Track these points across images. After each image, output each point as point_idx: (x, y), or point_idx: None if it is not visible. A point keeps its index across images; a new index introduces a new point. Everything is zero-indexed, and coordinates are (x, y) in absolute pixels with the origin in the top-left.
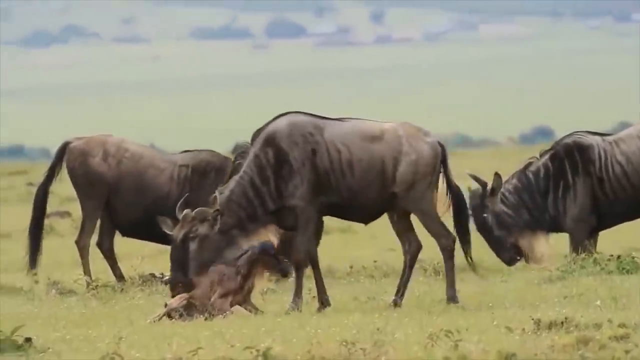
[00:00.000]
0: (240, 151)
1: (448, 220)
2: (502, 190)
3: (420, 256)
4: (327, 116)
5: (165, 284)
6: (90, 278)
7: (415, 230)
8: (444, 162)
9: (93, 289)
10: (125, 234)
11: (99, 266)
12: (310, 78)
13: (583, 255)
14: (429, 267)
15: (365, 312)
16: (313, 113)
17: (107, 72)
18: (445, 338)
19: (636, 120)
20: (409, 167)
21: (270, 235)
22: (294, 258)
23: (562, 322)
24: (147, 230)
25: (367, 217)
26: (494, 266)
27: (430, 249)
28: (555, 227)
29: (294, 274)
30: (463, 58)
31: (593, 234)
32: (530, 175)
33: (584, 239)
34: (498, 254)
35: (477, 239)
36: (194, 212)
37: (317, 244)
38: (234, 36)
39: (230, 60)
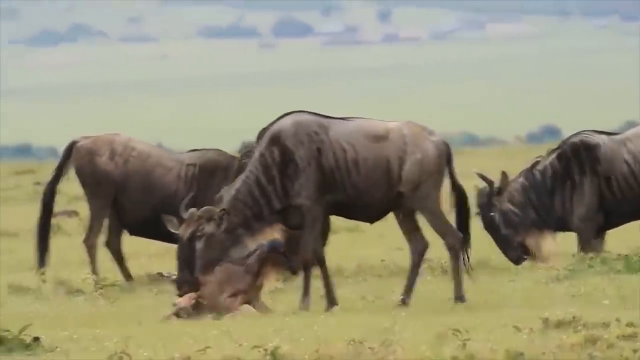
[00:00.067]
0: (246, 150)
1: (451, 219)
2: (509, 189)
3: (427, 255)
4: (332, 115)
5: (173, 283)
6: (98, 277)
7: (422, 229)
8: (449, 161)
9: (101, 288)
10: (132, 232)
11: (107, 265)
12: (317, 77)
13: (591, 254)
14: (436, 266)
15: (373, 311)
16: (318, 112)
17: (115, 71)
18: (453, 337)
19: None
20: (414, 167)
21: (276, 234)
22: (301, 257)
23: (570, 322)
24: (155, 229)
25: (372, 216)
26: (501, 265)
27: (438, 248)
28: (562, 226)
29: (302, 273)
30: (470, 57)
31: (600, 233)
32: (537, 174)
33: (591, 238)
34: (505, 253)
35: (484, 238)
36: (200, 211)
37: (325, 243)
38: (241, 35)
39: (237, 59)
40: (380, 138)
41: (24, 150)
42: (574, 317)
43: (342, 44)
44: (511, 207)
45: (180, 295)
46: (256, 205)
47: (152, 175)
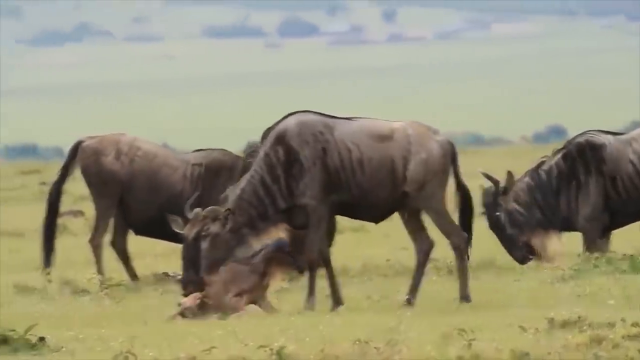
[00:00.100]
0: (250, 150)
1: (455, 219)
2: (514, 188)
3: (433, 255)
4: (336, 115)
5: (179, 283)
6: (104, 277)
7: (427, 228)
8: (453, 160)
9: (106, 288)
10: (138, 232)
11: (112, 265)
12: (322, 77)
13: (596, 254)
14: (442, 266)
15: (379, 311)
16: (322, 112)
17: (119, 71)
18: (459, 337)
19: None
20: (418, 166)
21: (281, 234)
22: (306, 257)
23: (575, 321)
24: (161, 229)
25: (377, 216)
26: (506, 265)
27: (443, 248)
28: (567, 226)
29: (307, 273)
30: (475, 57)
31: (606, 233)
32: (543, 174)
33: (596, 238)
34: (510, 253)
35: (490, 238)
36: (205, 211)
37: (331, 243)
38: (247, 35)
39: (242, 59)
40: (384, 138)
41: (29, 150)
42: (579, 317)
43: (347, 44)
44: (517, 206)
45: (186, 295)
46: (261, 204)
47: (157, 175)
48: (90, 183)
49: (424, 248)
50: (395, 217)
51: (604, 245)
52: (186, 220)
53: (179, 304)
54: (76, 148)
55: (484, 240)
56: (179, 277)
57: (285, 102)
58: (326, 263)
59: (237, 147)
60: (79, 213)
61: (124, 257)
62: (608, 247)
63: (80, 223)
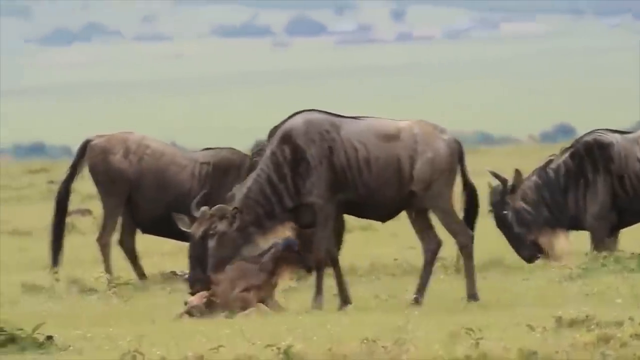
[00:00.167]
0: (257, 149)
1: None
2: (522, 187)
3: (441, 254)
4: (344, 114)
5: (186, 282)
6: (112, 276)
7: (435, 227)
8: (460, 159)
9: (114, 286)
10: (146, 231)
11: (120, 264)
12: (330, 76)
13: (604, 253)
14: (449, 265)
15: (386, 310)
16: (328, 111)
17: (128, 70)
18: (466, 336)
19: None
20: (425, 166)
21: (288, 233)
22: (313, 256)
23: (583, 320)
24: (168, 228)
25: (384, 215)
26: (514, 264)
27: (451, 247)
28: (575, 224)
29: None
30: (484, 56)
31: (614, 231)
32: (551, 173)
33: (604, 237)
34: (517, 251)
35: (498, 237)
36: (212, 210)
37: (341, 242)
38: (255, 34)
39: (251, 58)
40: (391, 137)
41: (37, 149)
42: (587, 316)
43: (356, 43)
44: (524, 205)
45: (193, 294)
46: (268, 203)
47: (166, 174)
48: (98, 182)
49: (432, 247)
50: (403, 216)
51: (612, 244)
52: (193, 219)
53: (186, 303)
54: (85, 147)
55: (492, 239)
56: (187, 275)
57: (293, 101)
58: (334, 262)
59: (245, 145)
60: (86, 212)
61: (132, 256)
62: (616, 245)
63: (88, 222)
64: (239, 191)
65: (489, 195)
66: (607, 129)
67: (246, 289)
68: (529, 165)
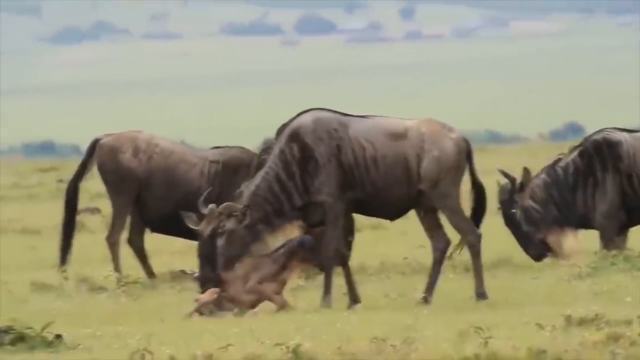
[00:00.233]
0: (265, 147)
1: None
2: (530, 185)
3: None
4: (353, 113)
5: (196, 280)
6: (121, 274)
7: (444, 226)
8: (469, 158)
9: (123, 285)
10: (155, 229)
11: (129, 263)
12: (340, 74)
13: (613, 251)
14: (458, 263)
15: (396, 309)
16: (336, 109)
17: (138, 68)
18: (475, 335)
19: None
20: (432, 164)
21: (296, 231)
22: (323, 255)
23: (592, 319)
24: (177, 226)
25: (392, 214)
26: (523, 263)
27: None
28: (584, 223)
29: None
30: (493, 55)
31: (623, 230)
32: (560, 171)
33: (613, 236)
34: (526, 250)
35: (507, 236)
36: (220, 208)
37: (351, 241)
38: (265, 32)
39: (260, 57)
40: (398, 136)
41: (47, 148)
42: (596, 315)
43: (365, 41)
44: (532, 203)
45: (204, 293)
46: (277, 201)
47: (175, 172)
48: (107, 180)
49: (441, 246)
50: (412, 215)
51: (621, 242)
52: (200, 217)
53: (196, 300)
54: (94, 145)
55: (500, 238)
56: (196, 274)
57: (302, 99)
58: (343, 261)
59: (254, 144)
60: (96, 210)
61: (141, 255)
62: (625, 244)
63: (97, 220)
64: (247, 189)
65: (497, 194)
66: (615, 128)
67: (259, 282)
68: (539, 164)
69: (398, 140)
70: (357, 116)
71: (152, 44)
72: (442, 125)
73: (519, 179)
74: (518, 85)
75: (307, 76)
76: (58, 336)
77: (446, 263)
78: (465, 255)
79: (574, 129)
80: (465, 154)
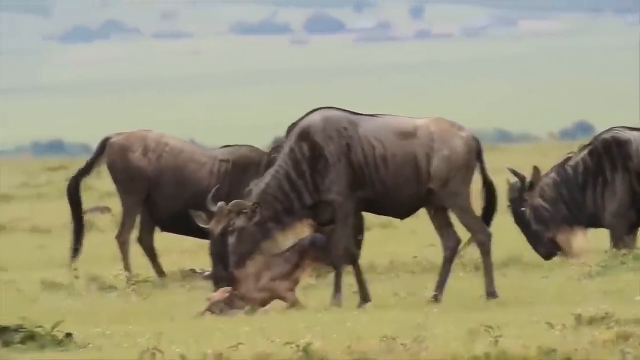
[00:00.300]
0: (275, 145)
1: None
2: (540, 184)
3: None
4: (363, 112)
5: (206, 279)
6: (131, 274)
7: (454, 225)
8: (479, 157)
9: (133, 284)
10: (164, 229)
11: (139, 262)
12: (349, 74)
13: (623, 251)
14: (468, 262)
15: (406, 308)
16: (346, 109)
17: (148, 67)
18: (485, 334)
19: None
20: (442, 163)
21: (306, 230)
22: (333, 254)
23: (602, 318)
24: (187, 225)
25: (403, 212)
26: (533, 262)
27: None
28: (594, 222)
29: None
30: (502, 54)
31: (633, 229)
32: (569, 170)
33: (623, 235)
34: (535, 248)
35: (518, 235)
36: (229, 205)
37: (361, 240)
38: (274, 31)
39: (269, 56)
40: (408, 135)
41: (56, 147)
42: (606, 314)
43: (375, 41)
44: (542, 202)
45: (216, 291)
46: (287, 199)
47: (185, 171)
48: (117, 180)
49: (451, 245)
50: (423, 213)
51: (631, 241)
52: (210, 215)
53: (208, 299)
54: (104, 144)
55: (511, 237)
56: (207, 273)
57: (312, 98)
58: (353, 260)
59: (264, 143)
60: (106, 209)
61: (151, 254)
62: (635, 243)
63: (107, 220)
64: (257, 187)
65: (507, 193)
66: (625, 127)
67: (272, 279)
68: (549, 164)
69: (408, 139)
70: (367, 115)
71: (162, 43)
72: (452, 124)
73: (529, 178)
74: (527, 85)
75: (317, 75)
76: (68, 335)
77: (456, 262)
78: (475, 254)
79: (583, 128)
80: (475, 153)
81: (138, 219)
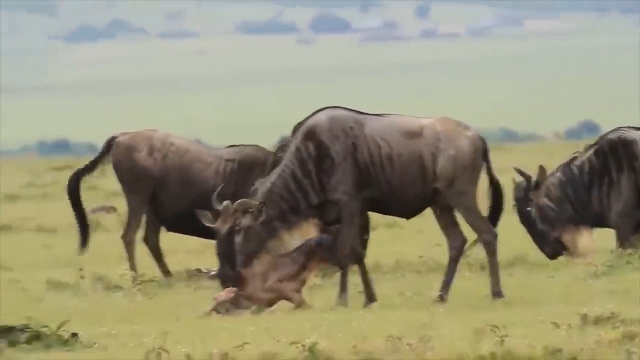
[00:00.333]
0: (281, 145)
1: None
2: (546, 183)
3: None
4: (368, 111)
5: (212, 279)
6: (136, 273)
7: (460, 224)
8: (485, 156)
9: (139, 284)
10: (170, 228)
11: (145, 261)
12: (355, 73)
13: (629, 250)
14: (474, 262)
15: (411, 307)
16: (352, 108)
17: (153, 67)
18: (491, 333)
19: None
20: (447, 163)
21: (312, 230)
22: (338, 253)
23: (608, 318)
24: (193, 225)
25: (408, 212)
26: (539, 261)
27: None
28: (599, 222)
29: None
30: (508, 53)
31: (639, 229)
32: (575, 170)
33: (629, 234)
34: (540, 248)
35: (523, 234)
36: (235, 204)
37: (367, 239)
38: (280, 31)
39: (275, 55)
40: (414, 134)
41: (62, 146)
42: (612, 313)
43: (380, 40)
44: (548, 202)
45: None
46: (293, 198)
47: (190, 171)
48: (122, 179)
49: (457, 244)
50: (428, 213)
51: (637, 241)
52: (215, 214)
53: (214, 299)
54: (110, 143)
55: (516, 236)
56: (212, 273)
57: (317, 98)
58: (359, 259)
59: (270, 142)
60: (111, 209)
61: (157, 253)
62: None
63: (113, 219)
64: (262, 186)
65: (512, 192)
66: (631, 127)
67: (279, 280)
68: (554, 163)
69: (413, 138)
70: (372, 115)
71: (167, 42)
72: (458, 124)
73: (534, 177)
74: (533, 84)
75: (322, 75)
76: (74, 335)
77: (462, 261)
78: (481, 253)
79: (589, 127)
80: (481, 153)
81: (143, 219)
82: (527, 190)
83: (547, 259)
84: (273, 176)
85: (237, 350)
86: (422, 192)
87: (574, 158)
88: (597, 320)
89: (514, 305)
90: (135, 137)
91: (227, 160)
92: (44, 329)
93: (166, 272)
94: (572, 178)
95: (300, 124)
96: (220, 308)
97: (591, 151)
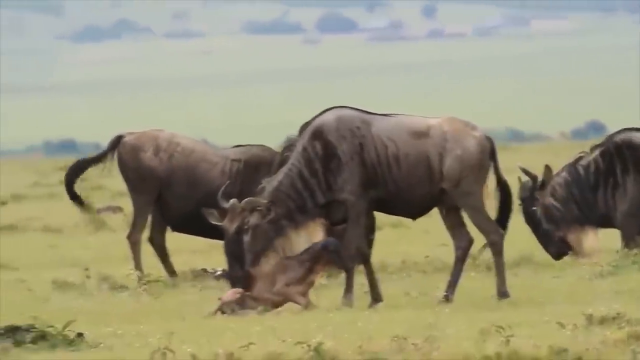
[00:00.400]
0: (288, 144)
1: (493, 215)
2: (551, 183)
3: (471, 251)
4: (375, 111)
5: (217, 279)
6: (142, 273)
7: (467, 225)
8: (492, 156)
9: (144, 284)
10: (175, 228)
11: (150, 261)
12: (361, 73)
13: (634, 250)
14: (480, 262)
15: (417, 307)
16: (358, 108)
17: (159, 67)
18: (497, 333)
19: None
20: (454, 163)
21: (319, 229)
22: (344, 253)
23: (613, 318)
24: (198, 225)
25: (415, 212)
26: (545, 261)
27: (482, 244)
28: (605, 222)
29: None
30: (515, 53)
31: None
32: (581, 170)
33: (634, 235)
34: (545, 248)
35: (529, 234)
36: (242, 203)
37: (372, 239)
38: (286, 31)
39: (281, 55)
40: (421, 134)
41: (68, 146)
42: (617, 314)
43: (387, 40)
44: (553, 201)
45: None
46: (299, 198)
47: (196, 171)
48: (128, 179)
49: (463, 244)
50: (435, 213)
51: None
52: (222, 212)
53: (219, 299)
54: (116, 141)
55: (522, 236)
56: (218, 273)
57: (324, 98)
58: (365, 259)
59: (276, 142)
60: (117, 209)
61: (162, 253)
62: None
63: (119, 219)
64: (269, 184)
65: (518, 191)
66: (637, 128)
67: (286, 284)
68: (561, 163)
69: (420, 138)
70: (379, 114)
71: (173, 42)
72: (465, 124)
73: (540, 177)
74: (539, 84)
75: (329, 75)
76: (79, 335)
77: (468, 261)
78: (487, 253)
79: (595, 127)
80: (488, 153)
81: (149, 219)
82: (533, 190)
83: (553, 259)
84: (280, 175)
85: (242, 351)
86: (428, 192)
87: (580, 158)
88: (603, 321)
89: (520, 305)
90: (141, 137)
91: (233, 160)
92: (50, 329)
93: (172, 272)
94: (577, 178)
95: (307, 124)
96: (226, 308)
97: (597, 152)
